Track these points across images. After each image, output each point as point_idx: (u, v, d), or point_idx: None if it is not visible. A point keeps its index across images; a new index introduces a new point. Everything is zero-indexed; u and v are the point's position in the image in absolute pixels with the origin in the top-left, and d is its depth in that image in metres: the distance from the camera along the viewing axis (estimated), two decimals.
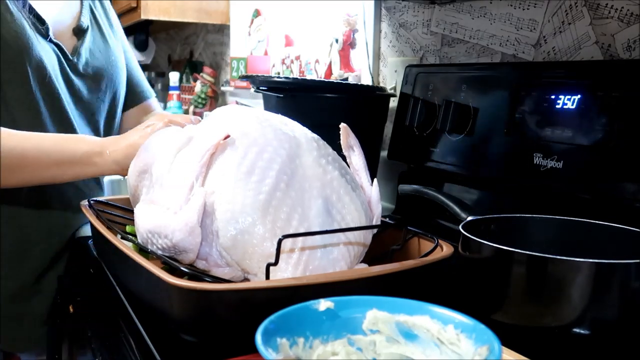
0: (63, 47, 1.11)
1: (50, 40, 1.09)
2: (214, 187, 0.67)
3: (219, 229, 0.66)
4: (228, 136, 0.69)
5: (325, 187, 0.70)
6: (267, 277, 0.63)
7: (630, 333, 0.60)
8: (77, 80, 1.14)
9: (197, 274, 0.64)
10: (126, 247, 0.71)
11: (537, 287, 0.61)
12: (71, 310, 1.08)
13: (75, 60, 1.13)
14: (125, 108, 1.32)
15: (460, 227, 0.71)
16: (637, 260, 0.58)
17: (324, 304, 0.50)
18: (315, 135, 0.76)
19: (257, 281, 0.64)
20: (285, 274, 0.64)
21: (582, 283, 0.59)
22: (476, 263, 0.67)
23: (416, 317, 0.50)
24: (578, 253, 0.60)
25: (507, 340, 0.54)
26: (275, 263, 0.62)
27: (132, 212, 0.97)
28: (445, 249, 0.72)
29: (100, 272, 0.92)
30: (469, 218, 0.76)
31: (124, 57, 1.29)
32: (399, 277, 0.65)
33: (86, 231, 1.13)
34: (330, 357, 0.49)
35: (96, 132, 1.21)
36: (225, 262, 0.67)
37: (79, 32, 1.16)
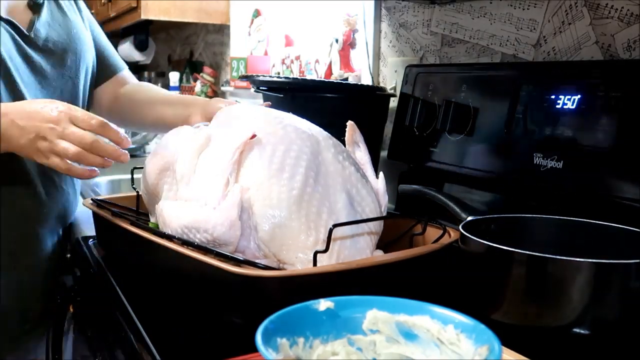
0: (16, 22, 1.03)
1: (0, 18, 1.02)
2: (248, 183, 0.71)
3: (257, 224, 0.70)
4: (254, 135, 0.73)
5: (346, 182, 0.75)
6: (315, 264, 0.67)
7: (630, 333, 0.60)
8: (37, 57, 1.06)
9: (252, 262, 0.67)
10: (167, 241, 0.73)
11: (537, 287, 0.61)
12: (71, 310, 1.09)
13: (33, 35, 1.06)
14: (98, 84, 1.27)
15: (460, 227, 0.71)
16: (637, 260, 0.58)
17: (323, 304, 0.50)
18: (326, 132, 0.80)
19: (327, 265, 0.68)
20: (322, 262, 0.68)
21: (582, 283, 0.59)
22: (476, 263, 0.67)
23: (416, 317, 0.50)
24: (578, 253, 0.60)
25: (507, 340, 0.54)
26: (326, 250, 0.66)
27: (133, 210, 0.98)
28: (453, 234, 0.78)
29: (100, 272, 0.92)
30: (469, 218, 0.76)
31: (91, 32, 1.23)
32: (426, 258, 0.72)
33: (86, 231, 1.13)
34: (330, 357, 0.49)
35: None
36: (262, 254, 0.71)
37: (34, 5, 1.08)
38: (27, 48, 1.05)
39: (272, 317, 0.47)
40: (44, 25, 1.09)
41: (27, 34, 1.06)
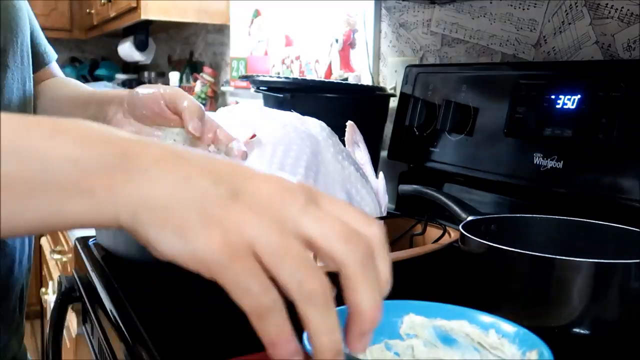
0: None
1: None
2: None
3: None
4: (254, 135, 0.73)
5: (345, 182, 0.75)
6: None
7: (630, 333, 0.60)
8: None
9: None
10: None
11: (537, 287, 0.61)
12: (71, 310, 1.09)
13: None
14: None
15: (460, 227, 0.71)
16: (637, 260, 0.58)
17: None
18: (327, 129, 0.80)
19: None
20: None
21: (582, 283, 0.59)
22: (476, 263, 0.67)
23: (454, 321, 0.49)
24: (578, 253, 0.60)
25: None
26: None
27: None
28: (453, 234, 0.77)
29: (100, 272, 0.92)
30: (469, 218, 0.76)
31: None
32: (426, 258, 0.72)
33: (85, 232, 1.13)
34: None
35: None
36: None
37: None
38: None
39: None
40: None
41: None
